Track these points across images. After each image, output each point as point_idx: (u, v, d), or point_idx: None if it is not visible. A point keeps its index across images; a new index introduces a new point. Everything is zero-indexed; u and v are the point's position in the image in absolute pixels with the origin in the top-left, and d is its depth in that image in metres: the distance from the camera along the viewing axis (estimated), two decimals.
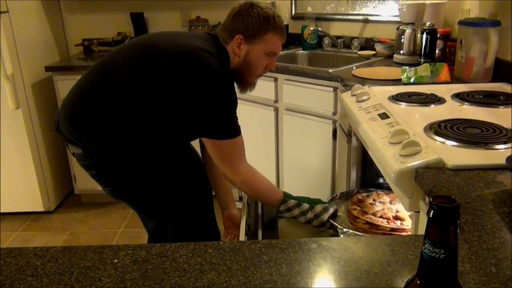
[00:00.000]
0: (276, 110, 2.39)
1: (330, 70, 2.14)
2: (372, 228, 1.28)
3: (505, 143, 1.10)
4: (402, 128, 1.17)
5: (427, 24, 2.04)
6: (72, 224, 2.74)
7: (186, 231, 1.57)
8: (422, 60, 2.05)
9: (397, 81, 1.86)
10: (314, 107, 2.19)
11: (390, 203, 1.44)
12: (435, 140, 1.14)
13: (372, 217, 1.31)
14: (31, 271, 0.71)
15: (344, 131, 1.93)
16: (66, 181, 2.96)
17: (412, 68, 1.87)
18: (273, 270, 0.69)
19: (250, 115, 2.47)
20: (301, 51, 2.79)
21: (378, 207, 1.39)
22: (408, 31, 2.16)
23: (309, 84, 2.19)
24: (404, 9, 2.21)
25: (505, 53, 1.78)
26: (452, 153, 1.04)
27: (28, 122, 2.60)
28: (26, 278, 0.69)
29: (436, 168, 1.00)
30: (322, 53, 2.74)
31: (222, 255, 0.73)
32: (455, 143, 1.10)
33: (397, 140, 1.12)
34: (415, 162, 1.02)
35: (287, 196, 1.43)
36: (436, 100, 1.51)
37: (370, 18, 2.61)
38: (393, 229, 1.26)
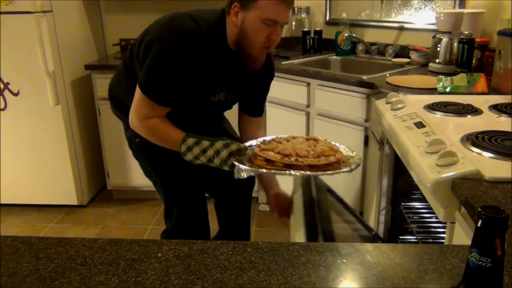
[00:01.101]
0: (308, 114, 2.41)
1: (364, 77, 2.14)
2: (268, 165, 1.19)
3: None
4: (439, 138, 1.17)
5: (465, 33, 2.02)
6: (103, 218, 2.81)
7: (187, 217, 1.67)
8: (459, 70, 2.02)
9: (432, 90, 1.85)
10: (346, 113, 2.20)
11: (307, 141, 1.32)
12: (472, 151, 1.13)
13: (270, 153, 1.21)
14: (80, 260, 0.75)
15: (377, 139, 1.93)
16: (99, 176, 3.05)
17: (448, 78, 1.86)
18: (311, 272, 0.71)
19: (281, 118, 2.49)
20: (334, 57, 2.79)
21: (284, 145, 1.26)
22: (444, 39, 2.14)
23: (341, 90, 2.19)
24: (442, 18, 2.19)
25: None
26: (490, 165, 1.04)
27: (66, 118, 2.69)
28: (76, 267, 0.73)
29: (474, 180, 1.00)
30: (355, 59, 2.74)
31: (261, 254, 0.76)
32: (492, 155, 1.10)
33: (434, 150, 1.12)
34: (452, 172, 1.02)
35: (187, 136, 1.36)
36: (472, 111, 1.50)
37: (406, 25, 2.60)
38: (287, 165, 1.16)
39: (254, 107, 1.69)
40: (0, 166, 2.77)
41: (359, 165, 1.21)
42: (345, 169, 1.18)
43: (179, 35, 1.34)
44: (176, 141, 1.35)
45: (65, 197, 2.86)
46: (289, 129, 2.47)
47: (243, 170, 1.21)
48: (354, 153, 1.27)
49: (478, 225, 0.42)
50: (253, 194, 2.77)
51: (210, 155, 1.30)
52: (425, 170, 1.07)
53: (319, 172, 1.16)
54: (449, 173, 1.02)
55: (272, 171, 1.18)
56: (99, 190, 3.13)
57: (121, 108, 1.59)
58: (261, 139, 1.36)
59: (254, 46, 1.36)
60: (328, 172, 1.16)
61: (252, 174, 1.24)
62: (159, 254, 0.76)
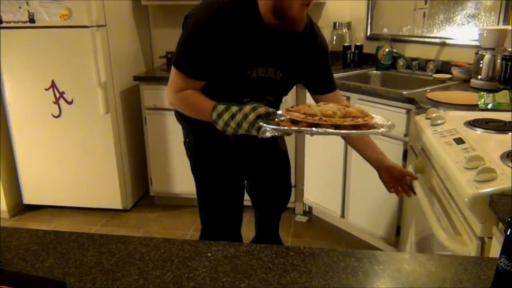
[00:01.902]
0: None
1: (404, 92, 2.16)
2: (294, 125, 1.18)
3: None
4: (478, 154, 1.19)
5: (508, 50, 2.01)
6: (146, 223, 2.93)
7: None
8: (501, 87, 2.02)
9: (473, 107, 1.85)
10: None
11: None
12: None
13: (295, 113, 1.20)
14: (138, 256, 0.83)
15: (416, 153, 1.94)
16: (143, 182, 3.19)
17: (490, 94, 1.86)
18: (350, 276, 0.75)
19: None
20: (374, 71, 2.82)
21: (311, 107, 1.24)
22: (487, 56, 2.14)
23: (381, 104, 2.22)
24: (485, 34, 2.19)
25: None
26: None
27: (115, 126, 2.84)
28: (135, 261, 0.81)
29: None
30: (395, 74, 2.75)
31: (303, 258, 0.81)
32: None
33: (473, 166, 1.14)
34: (490, 188, 1.04)
35: (218, 104, 1.35)
36: None
37: (448, 41, 2.60)
38: (312, 125, 1.15)
39: (322, 83, 1.67)
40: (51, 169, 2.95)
41: (390, 128, 1.19)
42: (370, 130, 1.16)
43: (207, 7, 1.37)
44: (207, 110, 1.35)
45: (110, 201, 3.00)
46: (327, 143, 2.52)
47: (268, 130, 1.22)
48: (390, 122, 1.26)
49: (508, 233, 0.46)
50: (290, 205, 2.83)
51: (238, 119, 1.28)
52: (463, 185, 1.09)
53: (343, 131, 1.15)
54: (487, 188, 1.04)
55: (293, 128, 1.17)
56: (142, 195, 3.27)
57: (182, 114, 1.60)
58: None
59: (293, 5, 1.33)
60: (353, 132, 1.15)
61: (276, 133, 1.23)
62: (209, 254, 0.83)
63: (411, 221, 1.89)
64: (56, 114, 2.82)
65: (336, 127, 1.16)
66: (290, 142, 2.38)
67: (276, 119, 1.28)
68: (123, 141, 2.95)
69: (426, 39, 2.72)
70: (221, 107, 1.32)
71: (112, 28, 2.75)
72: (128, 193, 3.06)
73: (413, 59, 2.72)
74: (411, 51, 2.79)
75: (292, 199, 2.12)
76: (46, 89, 2.77)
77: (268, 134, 1.24)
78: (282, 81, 1.54)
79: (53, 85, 2.76)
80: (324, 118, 1.16)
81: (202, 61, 1.39)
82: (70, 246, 0.87)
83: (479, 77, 2.19)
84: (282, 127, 1.19)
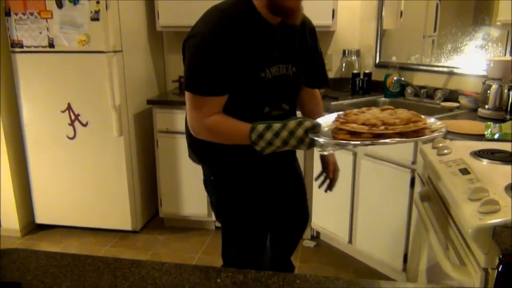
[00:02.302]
0: (355, 154, 2.47)
1: None
2: (354, 137, 1.14)
3: None
4: (482, 185, 1.22)
5: None
6: (154, 245, 2.96)
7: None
8: (508, 117, 2.04)
9: (480, 136, 1.88)
10: (393, 154, 2.25)
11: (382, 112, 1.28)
12: None
13: (354, 125, 1.16)
14: (151, 280, 0.87)
15: (423, 181, 1.96)
16: (152, 204, 3.23)
17: (497, 125, 1.88)
18: None
19: None
20: (383, 99, 2.86)
21: (364, 117, 1.21)
22: (494, 86, 2.17)
23: None
24: (492, 65, 2.23)
25: None
26: None
27: (127, 148, 2.90)
28: (148, 286, 0.85)
29: None
30: (403, 102, 2.79)
31: (309, 286, 0.84)
32: None
33: (477, 197, 1.17)
34: (494, 220, 1.06)
35: (255, 124, 1.32)
36: None
37: (455, 70, 2.64)
38: (377, 135, 1.12)
39: (320, 74, 1.68)
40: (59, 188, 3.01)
41: (447, 130, 1.21)
42: (437, 134, 1.17)
43: (206, 22, 1.35)
44: (243, 132, 1.31)
45: (120, 222, 3.04)
46: None
47: (330, 145, 1.18)
48: (433, 119, 1.27)
49: (499, 269, 0.49)
50: None
51: (284, 137, 1.27)
52: (467, 216, 1.12)
53: (413, 139, 1.14)
54: (491, 220, 1.07)
55: (366, 142, 1.13)
56: (152, 217, 3.30)
57: (197, 151, 1.60)
58: (333, 114, 1.34)
59: None
60: (422, 138, 1.15)
61: (339, 147, 1.22)
62: (218, 280, 0.86)
63: (419, 248, 1.90)
64: (71, 135, 2.89)
65: (400, 134, 1.14)
66: None
67: (324, 129, 1.26)
68: (134, 163, 3.00)
69: (434, 68, 2.77)
70: (260, 127, 1.30)
71: (127, 53, 2.84)
72: (138, 215, 3.10)
73: (421, 87, 2.76)
74: (419, 79, 2.84)
75: None
76: (62, 111, 2.86)
77: (330, 150, 1.22)
78: (296, 76, 1.52)
79: (69, 107, 2.84)
80: (390, 128, 1.14)
81: (216, 75, 1.35)
82: (86, 269, 0.91)
83: (486, 106, 2.22)
84: (344, 141, 1.17)
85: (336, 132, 1.21)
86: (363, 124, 1.16)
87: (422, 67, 2.84)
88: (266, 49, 1.41)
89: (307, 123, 1.26)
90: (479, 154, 1.57)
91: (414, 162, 2.15)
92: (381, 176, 2.34)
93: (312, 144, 1.27)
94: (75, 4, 2.65)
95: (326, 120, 1.33)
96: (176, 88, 3.36)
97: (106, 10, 2.62)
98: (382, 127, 1.13)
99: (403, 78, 2.81)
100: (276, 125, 1.29)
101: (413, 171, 2.16)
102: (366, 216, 2.50)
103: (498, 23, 2.18)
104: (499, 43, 2.44)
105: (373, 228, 2.46)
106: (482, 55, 2.52)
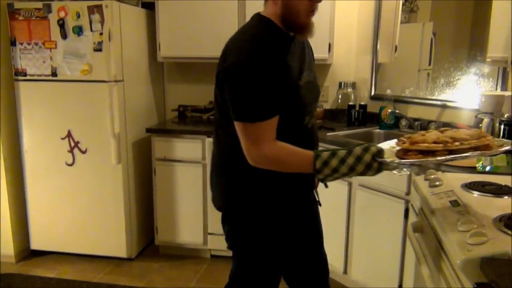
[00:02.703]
0: (350, 185, 2.50)
1: None
2: (427, 156, 1.16)
3: None
4: (471, 217, 1.25)
5: (505, 116, 2.09)
6: (149, 272, 2.95)
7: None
8: None
9: (472, 169, 1.91)
10: (387, 185, 2.28)
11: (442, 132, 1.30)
12: (504, 232, 1.19)
13: (423, 144, 1.18)
14: None
15: (416, 213, 1.99)
16: (148, 232, 3.23)
17: (488, 158, 1.92)
18: None
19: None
20: (377, 130, 2.92)
21: (430, 137, 1.23)
22: (486, 120, 2.22)
23: None
24: (484, 99, 2.29)
25: None
26: None
27: (125, 176, 2.93)
28: None
29: (502, 260, 1.06)
30: (398, 134, 2.84)
31: None
32: None
33: (465, 229, 1.19)
34: (481, 252, 1.09)
35: (318, 151, 1.35)
36: (509, 192, 1.55)
37: (448, 104, 2.70)
38: (452, 151, 1.14)
39: None
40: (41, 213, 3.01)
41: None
42: (508, 147, 1.20)
43: (240, 49, 1.36)
44: (306, 160, 1.34)
45: (115, 249, 3.03)
46: (331, 198, 2.57)
47: (405, 165, 1.20)
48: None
49: None
50: None
51: (351, 163, 1.29)
52: (456, 248, 1.14)
53: (492, 151, 1.17)
54: (478, 252, 1.09)
55: (445, 157, 1.16)
56: (147, 244, 3.30)
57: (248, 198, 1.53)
58: (390, 141, 1.39)
59: (300, 14, 1.38)
60: (494, 151, 1.18)
61: (416, 168, 1.27)
62: None
63: (413, 280, 1.91)
64: (70, 162, 2.92)
65: (474, 149, 1.18)
66: None
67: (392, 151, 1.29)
68: (132, 190, 3.02)
69: (428, 101, 2.83)
70: (325, 154, 1.33)
71: (128, 83, 2.90)
72: (134, 242, 3.10)
73: (415, 120, 2.81)
74: (413, 111, 2.90)
75: None
76: (62, 138, 2.90)
77: (406, 170, 1.25)
78: (316, 82, 1.58)
79: (69, 134, 2.89)
80: (466, 143, 1.18)
81: (265, 98, 1.34)
82: None
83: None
84: (420, 160, 1.18)
85: (405, 153, 1.24)
86: (434, 142, 1.19)
87: (416, 100, 2.90)
88: (295, 60, 1.46)
89: (373, 149, 1.30)
90: (470, 186, 1.60)
91: (408, 193, 2.18)
92: (376, 206, 2.36)
93: (380, 169, 1.29)
94: (79, 35, 2.73)
95: (384, 146, 1.36)
96: (175, 116, 3.42)
97: (109, 41, 2.70)
98: (457, 143, 1.17)
99: (397, 111, 2.87)
100: (341, 152, 1.32)
101: (407, 202, 2.19)
102: (361, 247, 2.50)
103: (488, 60, 2.25)
104: (490, 78, 2.51)
105: (368, 259, 2.46)
106: (475, 89, 2.58)
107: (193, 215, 3.02)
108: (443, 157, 1.17)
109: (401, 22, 2.98)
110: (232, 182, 1.53)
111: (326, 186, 1.48)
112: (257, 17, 1.46)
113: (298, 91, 1.44)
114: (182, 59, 3.26)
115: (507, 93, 2.28)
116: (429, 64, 2.93)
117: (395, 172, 1.26)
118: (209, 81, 3.46)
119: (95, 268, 2.98)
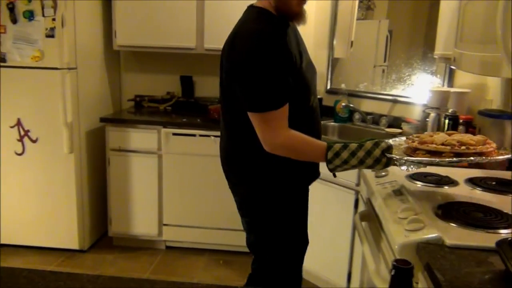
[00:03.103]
0: None
1: None
2: (435, 156, 1.24)
3: (505, 228, 1.21)
4: (411, 205, 1.31)
5: (450, 111, 2.20)
6: (102, 264, 2.90)
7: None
8: None
9: None
10: (340, 176, 2.33)
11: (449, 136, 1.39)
12: (441, 219, 1.26)
13: (434, 145, 1.26)
14: None
15: (364, 202, 2.06)
16: (102, 223, 3.17)
17: None
18: None
19: None
20: (332, 123, 2.99)
21: (438, 139, 1.32)
22: (432, 114, 2.32)
23: None
24: (431, 95, 2.39)
25: None
26: (453, 233, 1.17)
27: (77, 166, 2.86)
28: None
29: (436, 245, 1.12)
30: (351, 127, 2.92)
31: None
32: (458, 224, 1.23)
33: (405, 216, 1.26)
34: (417, 237, 1.15)
35: (331, 143, 1.42)
36: (450, 182, 1.64)
37: (399, 99, 2.80)
38: (458, 154, 1.22)
39: None
40: (0, 206, 2.92)
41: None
42: (508, 156, 1.27)
43: (247, 41, 1.41)
44: (319, 150, 1.41)
45: (67, 241, 2.96)
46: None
47: (413, 162, 1.29)
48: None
49: (392, 273, 0.56)
50: None
51: (361, 156, 1.37)
52: (394, 234, 1.20)
53: (495, 158, 1.26)
54: (414, 237, 1.15)
55: (451, 159, 1.24)
56: (101, 236, 3.24)
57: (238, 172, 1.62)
58: (402, 137, 1.48)
59: (292, 4, 1.46)
60: (505, 157, 1.27)
61: (422, 165, 1.33)
62: None
63: (361, 267, 1.98)
64: (20, 151, 2.83)
65: (479, 154, 1.26)
66: None
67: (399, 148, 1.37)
68: (84, 181, 2.96)
69: (380, 96, 2.92)
70: (337, 146, 1.40)
71: (82, 71, 2.83)
72: (86, 233, 3.04)
73: (368, 114, 2.90)
74: (366, 105, 2.98)
75: None
76: (11, 127, 2.80)
77: (412, 167, 1.32)
78: (312, 63, 1.66)
79: (18, 123, 2.79)
80: (471, 148, 1.25)
81: (277, 86, 1.40)
82: (20, 281, 0.91)
83: (425, 133, 2.36)
84: (428, 159, 1.26)
85: (414, 151, 1.32)
86: (442, 144, 1.27)
87: (369, 95, 2.99)
88: (293, 46, 1.51)
89: (383, 144, 1.38)
90: (413, 177, 1.67)
91: (358, 184, 2.25)
92: (328, 197, 2.42)
93: (388, 164, 1.38)
94: (30, 20, 2.63)
95: (393, 143, 1.45)
96: (132, 107, 3.37)
97: (62, 27, 2.63)
98: (464, 147, 1.25)
99: (351, 105, 2.95)
100: (353, 145, 1.40)
101: (357, 192, 2.26)
102: (314, 236, 2.55)
103: (435, 57, 2.35)
104: (438, 75, 2.62)
105: (320, 248, 2.52)
106: (426, 85, 2.69)
107: (148, 206, 2.99)
108: (449, 159, 1.27)
109: (358, 19, 3.05)
110: (248, 170, 1.58)
111: (335, 176, 1.55)
112: (254, 9, 1.52)
113: (303, 74, 1.52)
114: (139, 48, 3.20)
115: (453, 89, 2.39)
116: (385, 61, 3.02)
117: (402, 168, 1.35)
118: (167, 71, 3.44)
119: (45, 261, 2.90)
